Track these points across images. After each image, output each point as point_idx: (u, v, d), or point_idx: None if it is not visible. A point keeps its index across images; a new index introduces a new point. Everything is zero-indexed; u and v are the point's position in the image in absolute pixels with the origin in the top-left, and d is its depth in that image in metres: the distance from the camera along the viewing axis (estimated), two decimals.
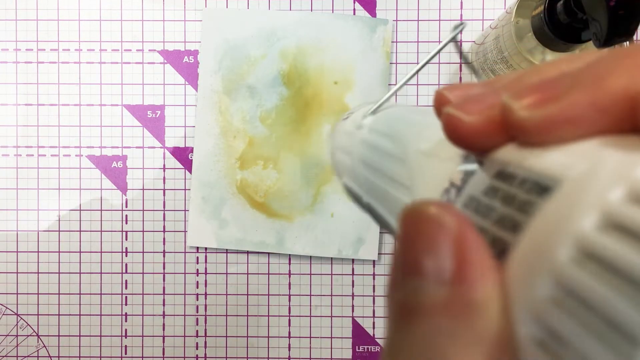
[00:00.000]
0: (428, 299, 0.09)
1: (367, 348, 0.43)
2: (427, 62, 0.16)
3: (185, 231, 0.43)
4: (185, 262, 0.43)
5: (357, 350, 0.43)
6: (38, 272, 0.43)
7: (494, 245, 0.09)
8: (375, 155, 0.15)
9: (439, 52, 0.15)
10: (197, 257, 0.43)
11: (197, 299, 0.43)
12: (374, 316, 0.43)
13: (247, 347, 0.43)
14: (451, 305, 0.09)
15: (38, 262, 0.43)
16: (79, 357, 0.43)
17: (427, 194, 0.12)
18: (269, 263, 0.43)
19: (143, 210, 0.43)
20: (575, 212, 0.08)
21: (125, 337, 0.43)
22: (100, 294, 0.43)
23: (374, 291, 0.43)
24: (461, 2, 0.42)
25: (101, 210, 0.43)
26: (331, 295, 0.43)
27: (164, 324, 0.43)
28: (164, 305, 0.43)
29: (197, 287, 0.43)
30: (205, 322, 0.43)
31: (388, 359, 0.09)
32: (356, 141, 0.17)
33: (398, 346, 0.09)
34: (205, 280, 0.43)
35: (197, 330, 0.43)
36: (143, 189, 0.43)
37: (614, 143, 0.08)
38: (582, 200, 0.08)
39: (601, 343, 0.07)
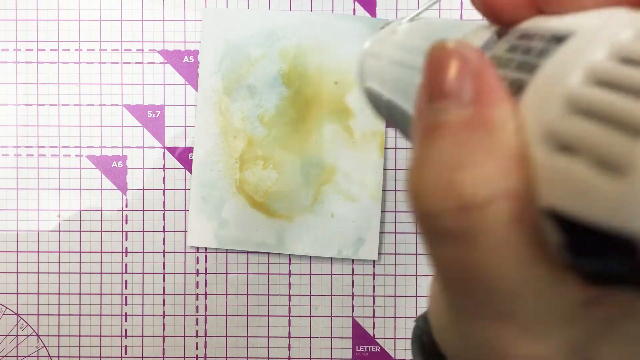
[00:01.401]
0: (452, 117, 0.10)
1: (367, 348, 0.43)
2: None
3: (185, 231, 0.43)
4: (185, 262, 0.43)
5: (357, 350, 0.43)
6: (38, 272, 0.43)
7: (513, 85, 0.11)
8: (408, 54, 0.17)
9: None
10: (197, 257, 0.43)
11: (197, 299, 0.43)
12: (374, 316, 0.43)
13: (247, 347, 0.43)
14: (472, 122, 0.10)
15: (38, 262, 0.43)
16: (79, 357, 0.43)
17: None
18: (269, 263, 0.43)
19: (143, 210, 0.43)
20: (586, 49, 0.09)
21: (125, 337, 0.43)
22: (100, 294, 0.43)
23: (374, 291, 0.43)
24: (461, 2, 0.42)
25: (101, 210, 0.43)
26: (331, 295, 0.43)
27: (164, 324, 0.43)
28: (164, 305, 0.43)
29: (197, 287, 0.43)
30: (205, 322, 0.43)
31: (415, 169, 0.11)
32: (389, 45, 0.18)
33: (424, 158, 0.11)
34: (205, 280, 0.43)
35: (197, 330, 0.43)
36: (143, 189, 0.43)
37: (623, 9, 0.10)
38: (593, 40, 0.09)
39: (612, 138, 0.08)
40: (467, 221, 0.10)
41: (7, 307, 0.43)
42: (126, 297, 0.43)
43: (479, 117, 0.10)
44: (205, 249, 0.43)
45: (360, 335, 0.43)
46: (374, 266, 0.43)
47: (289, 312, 0.43)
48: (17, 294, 0.43)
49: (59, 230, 0.43)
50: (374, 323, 0.43)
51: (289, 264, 0.43)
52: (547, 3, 0.11)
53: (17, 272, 0.43)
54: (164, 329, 0.43)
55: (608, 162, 0.08)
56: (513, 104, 0.10)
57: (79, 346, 0.43)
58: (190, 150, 0.43)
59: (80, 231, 0.43)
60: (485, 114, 0.10)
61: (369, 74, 0.19)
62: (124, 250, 0.43)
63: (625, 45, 0.09)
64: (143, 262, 0.43)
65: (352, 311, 0.43)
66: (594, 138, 0.08)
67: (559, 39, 0.10)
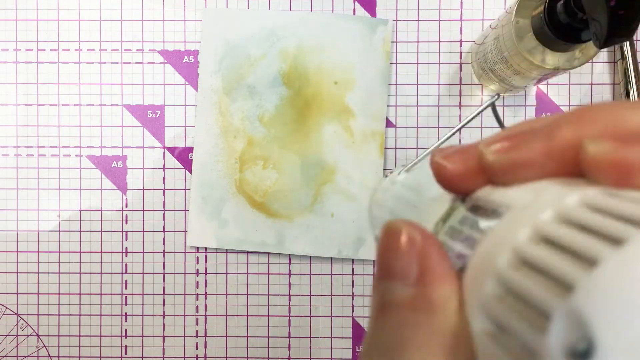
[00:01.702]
0: (397, 296, 0.11)
1: None
2: (460, 127, 0.19)
3: (185, 231, 0.43)
4: (185, 262, 0.43)
5: (357, 350, 0.43)
6: (38, 272, 0.43)
7: (460, 258, 0.11)
8: (400, 205, 0.18)
9: (472, 119, 0.19)
10: (197, 257, 0.43)
11: (197, 299, 0.43)
12: None
13: (247, 347, 0.43)
14: (415, 302, 0.11)
15: (38, 262, 0.43)
16: (79, 357, 0.43)
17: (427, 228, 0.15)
18: (269, 263, 0.43)
19: (143, 210, 0.43)
20: (514, 229, 0.10)
21: (125, 337, 0.43)
22: (100, 294, 0.43)
23: None
24: (461, 2, 0.42)
25: (101, 210, 0.43)
26: (331, 295, 0.43)
27: (164, 324, 0.43)
28: (164, 305, 0.43)
29: (197, 287, 0.43)
30: (205, 322, 0.43)
31: (365, 346, 0.12)
32: (388, 195, 0.20)
33: (373, 336, 0.11)
34: (205, 280, 0.43)
35: (197, 330, 0.43)
36: (143, 189, 0.43)
37: (558, 182, 0.11)
38: (520, 220, 0.10)
39: (528, 324, 0.08)
40: None
41: (7, 307, 0.43)
42: (126, 297, 0.43)
43: (421, 298, 0.11)
44: (205, 249, 0.43)
45: (360, 335, 0.43)
46: (374, 266, 0.43)
47: (289, 312, 0.43)
48: (17, 294, 0.43)
49: (59, 230, 0.43)
50: None
51: (289, 264, 0.43)
52: (492, 175, 0.12)
53: (17, 272, 0.43)
54: (164, 329, 0.43)
55: (526, 348, 0.08)
56: (456, 283, 0.11)
57: (79, 346, 0.43)
58: (190, 150, 0.43)
59: (80, 231, 0.43)
60: (427, 294, 0.10)
61: (377, 222, 0.20)
62: (124, 250, 0.43)
63: (544, 227, 0.09)
64: (143, 262, 0.43)
65: (352, 311, 0.43)
66: (514, 322, 0.09)
67: (498, 214, 0.11)
